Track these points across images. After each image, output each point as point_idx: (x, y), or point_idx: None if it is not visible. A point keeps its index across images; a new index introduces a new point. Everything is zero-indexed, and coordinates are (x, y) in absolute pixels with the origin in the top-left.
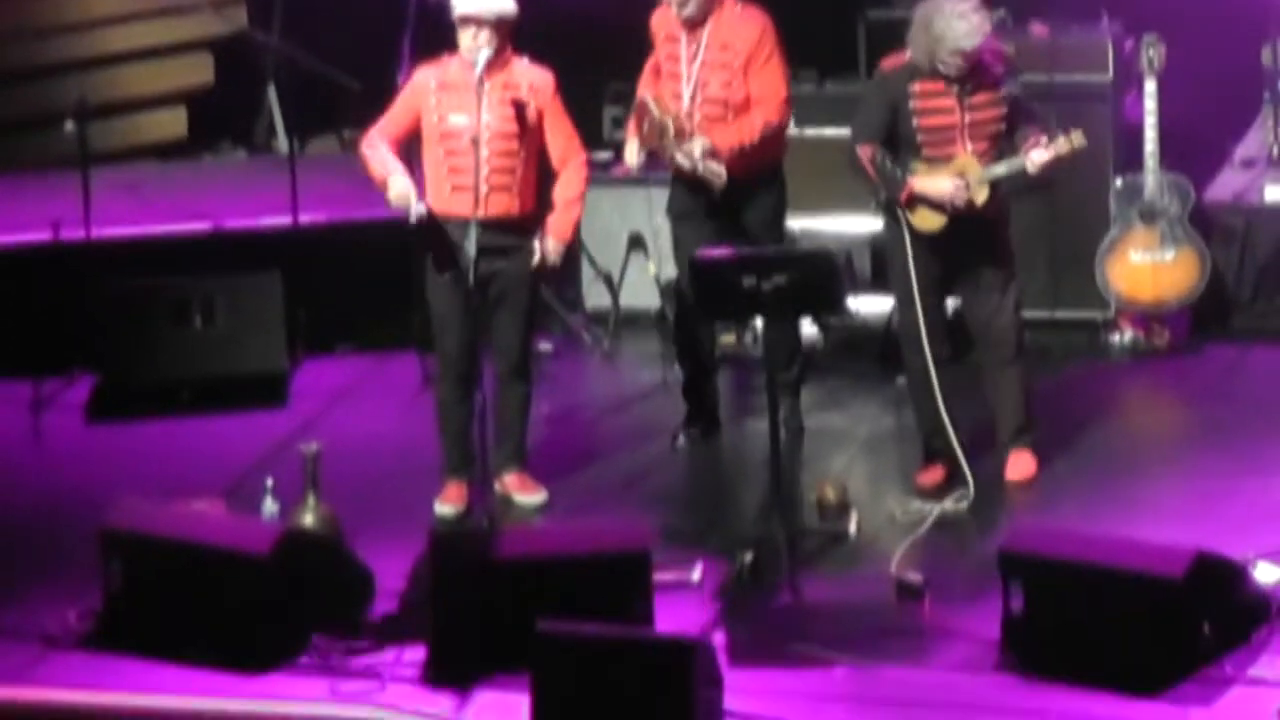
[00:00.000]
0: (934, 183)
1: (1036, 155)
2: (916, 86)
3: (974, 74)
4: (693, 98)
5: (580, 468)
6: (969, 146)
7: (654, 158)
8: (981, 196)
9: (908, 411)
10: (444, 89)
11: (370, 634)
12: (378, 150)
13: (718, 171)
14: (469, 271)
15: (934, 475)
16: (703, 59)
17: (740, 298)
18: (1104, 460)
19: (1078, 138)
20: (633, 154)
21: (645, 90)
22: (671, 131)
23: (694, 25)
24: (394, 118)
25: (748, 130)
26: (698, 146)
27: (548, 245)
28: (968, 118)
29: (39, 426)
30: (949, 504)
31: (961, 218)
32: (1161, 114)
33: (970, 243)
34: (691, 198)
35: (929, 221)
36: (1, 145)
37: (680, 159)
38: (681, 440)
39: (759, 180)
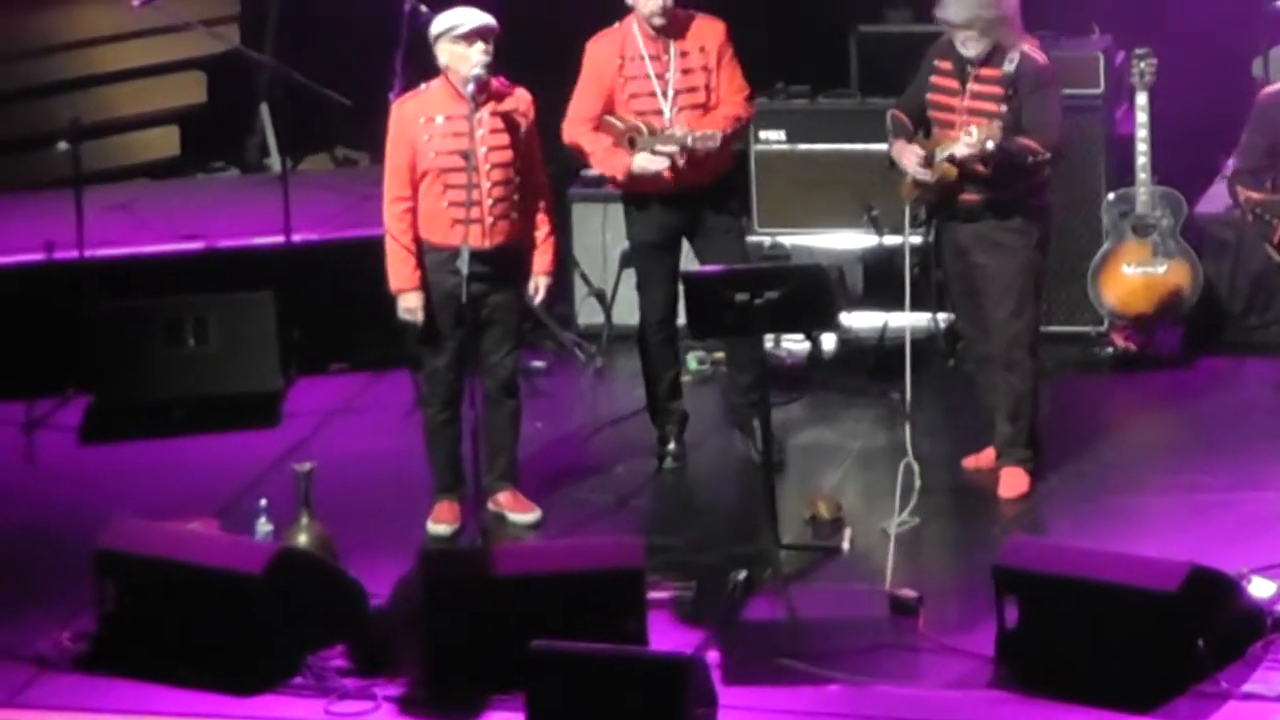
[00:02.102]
0: (903, 151)
1: (957, 148)
2: (939, 63)
3: (983, 63)
4: (674, 105)
5: (573, 485)
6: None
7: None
8: (935, 176)
9: (900, 426)
10: (433, 121)
11: (364, 654)
12: (399, 247)
13: (710, 135)
14: (462, 291)
15: (981, 459)
16: (679, 65)
17: (732, 314)
18: (1097, 474)
19: (993, 129)
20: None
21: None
22: (646, 131)
23: (659, 35)
24: (398, 171)
25: (721, 122)
26: (678, 130)
27: (540, 284)
28: (967, 103)
29: (32, 446)
30: (909, 515)
31: (974, 217)
32: (1153, 127)
33: (981, 243)
34: (655, 225)
35: (905, 190)
36: None
37: (662, 148)
38: (669, 461)
39: (718, 196)
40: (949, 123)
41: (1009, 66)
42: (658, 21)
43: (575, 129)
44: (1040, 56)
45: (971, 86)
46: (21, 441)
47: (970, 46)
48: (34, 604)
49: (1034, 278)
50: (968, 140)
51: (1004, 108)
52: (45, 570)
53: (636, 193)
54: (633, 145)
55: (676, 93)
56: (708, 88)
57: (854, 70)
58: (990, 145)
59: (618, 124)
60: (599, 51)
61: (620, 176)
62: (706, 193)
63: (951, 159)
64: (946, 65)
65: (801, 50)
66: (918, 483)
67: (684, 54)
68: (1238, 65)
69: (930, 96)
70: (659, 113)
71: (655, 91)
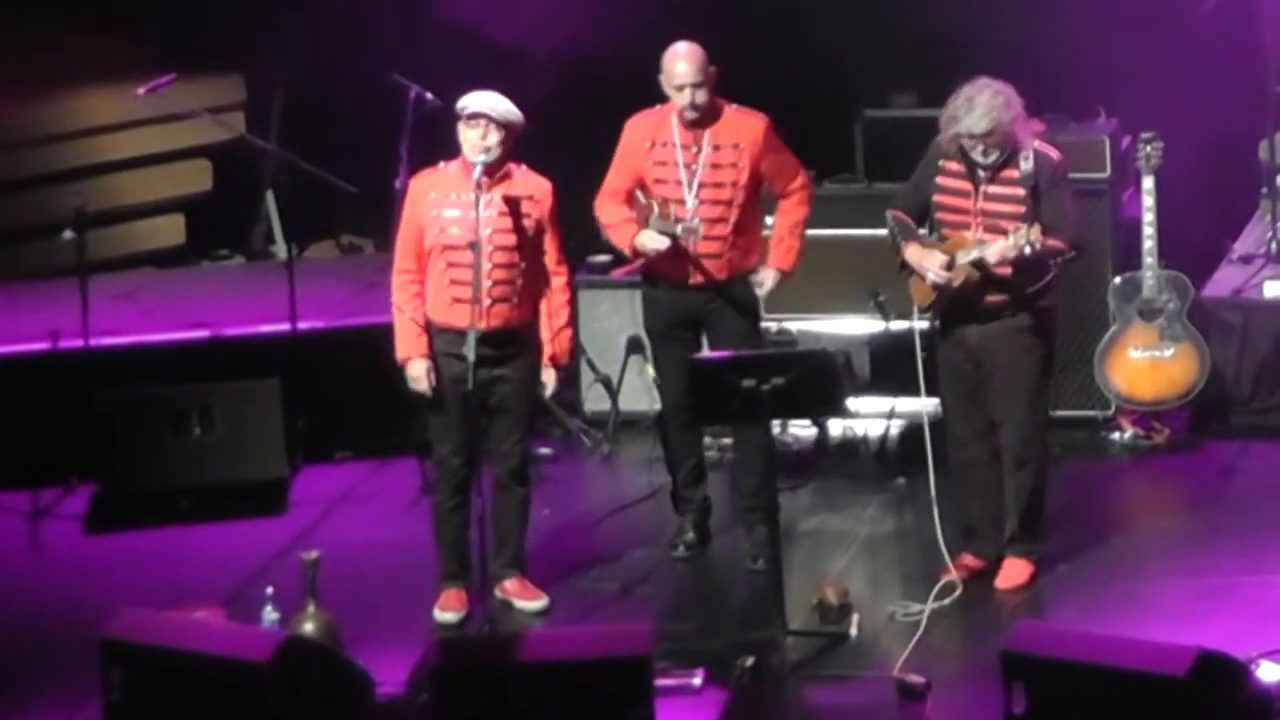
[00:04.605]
0: (922, 255)
1: (988, 251)
2: (945, 164)
3: (997, 163)
4: (697, 197)
5: (580, 572)
6: (979, 234)
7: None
8: (959, 280)
9: (908, 512)
10: (443, 199)
11: None
12: (405, 314)
13: (694, 228)
14: (468, 377)
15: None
16: (708, 158)
17: (739, 400)
18: (1105, 558)
19: (1032, 233)
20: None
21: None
22: (657, 211)
23: (696, 126)
24: (406, 245)
25: (787, 238)
26: (675, 218)
27: (549, 376)
28: (981, 204)
29: (38, 536)
30: (939, 601)
31: (989, 318)
32: (1159, 210)
33: (993, 343)
34: (666, 314)
35: (920, 292)
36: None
37: (663, 230)
38: (681, 550)
39: (734, 289)
40: (962, 224)
41: (1026, 165)
42: (689, 116)
43: (601, 200)
44: (1053, 152)
45: (987, 188)
46: (27, 531)
47: (989, 154)
48: (40, 694)
49: (1048, 373)
50: (1009, 244)
51: (1024, 208)
52: (51, 660)
53: (655, 278)
54: (647, 222)
55: (701, 185)
56: (734, 184)
57: (859, 155)
58: (1029, 250)
59: (641, 200)
60: (634, 131)
61: (625, 249)
62: (723, 286)
63: (980, 263)
64: (955, 166)
65: (807, 135)
66: (958, 591)
67: (716, 148)
68: (1244, 149)
69: (938, 198)
70: (681, 202)
71: (681, 180)
